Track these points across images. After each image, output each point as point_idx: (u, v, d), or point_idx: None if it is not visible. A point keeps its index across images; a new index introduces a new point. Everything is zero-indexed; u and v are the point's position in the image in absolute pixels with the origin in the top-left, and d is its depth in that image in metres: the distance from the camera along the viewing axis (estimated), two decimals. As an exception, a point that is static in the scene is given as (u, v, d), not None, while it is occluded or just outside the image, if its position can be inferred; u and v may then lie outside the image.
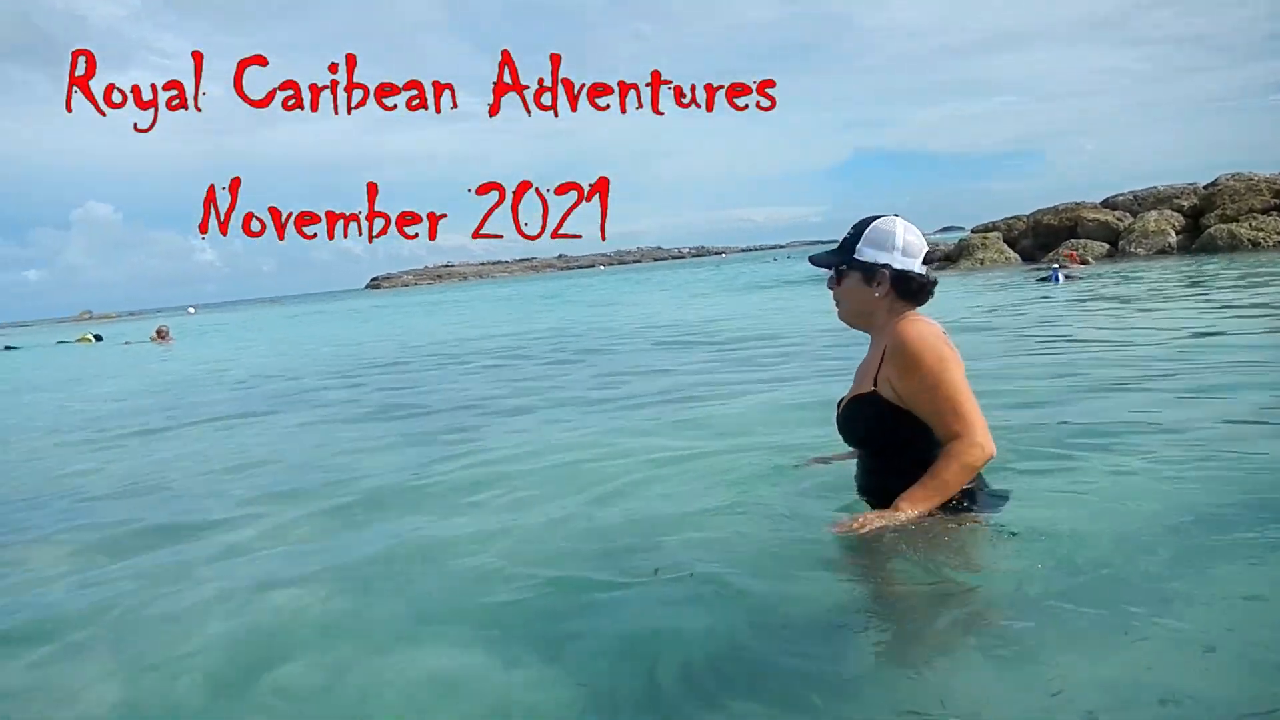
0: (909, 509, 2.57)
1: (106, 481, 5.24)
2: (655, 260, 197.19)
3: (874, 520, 2.59)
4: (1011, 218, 27.97)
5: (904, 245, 2.76)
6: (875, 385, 2.72)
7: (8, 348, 31.83)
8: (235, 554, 3.49)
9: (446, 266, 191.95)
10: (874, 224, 2.79)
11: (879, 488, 2.78)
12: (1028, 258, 25.61)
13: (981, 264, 25.36)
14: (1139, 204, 25.22)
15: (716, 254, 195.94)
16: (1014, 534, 2.62)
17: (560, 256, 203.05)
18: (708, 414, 5.47)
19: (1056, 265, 18.82)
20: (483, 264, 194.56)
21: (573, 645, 2.34)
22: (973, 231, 29.04)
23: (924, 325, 2.68)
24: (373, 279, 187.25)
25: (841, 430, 2.91)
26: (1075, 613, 2.15)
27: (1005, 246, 26.53)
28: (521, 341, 14.04)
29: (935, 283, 2.83)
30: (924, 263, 2.80)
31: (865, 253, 2.77)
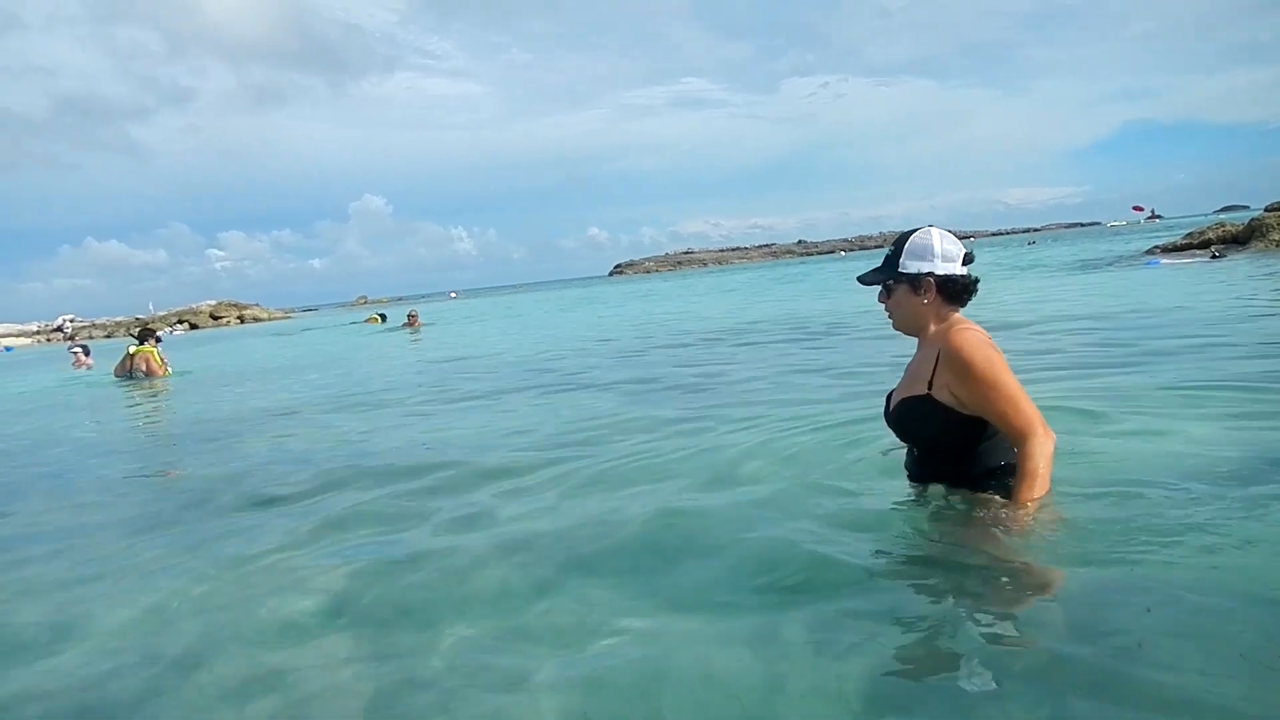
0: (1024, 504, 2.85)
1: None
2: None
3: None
4: (1316, 194, 24.62)
5: (942, 252, 3.05)
6: (930, 389, 3.01)
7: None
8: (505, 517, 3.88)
9: (687, 253, 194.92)
10: (911, 238, 3.09)
11: (937, 475, 3.14)
12: (1335, 238, 22.57)
13: (1278, 246, 22.62)
14: None
15: (964, 238, 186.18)
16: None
17: (800, 243, 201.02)
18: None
19: None
20: (722, 250, 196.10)
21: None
22: (1267, 210, 25.95)
23: (971, 333, 2.98)
24: (616, 266, 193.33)
25: (895, 426, 3.22)
26: None
27: (1307, 226, 23.48)
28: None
29: (978, 281, 3.13)
30: (964, 264, 3.09)
31: (909, 265, 3.07)
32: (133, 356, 14.86)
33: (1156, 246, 26.65)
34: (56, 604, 3.29)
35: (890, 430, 3.31)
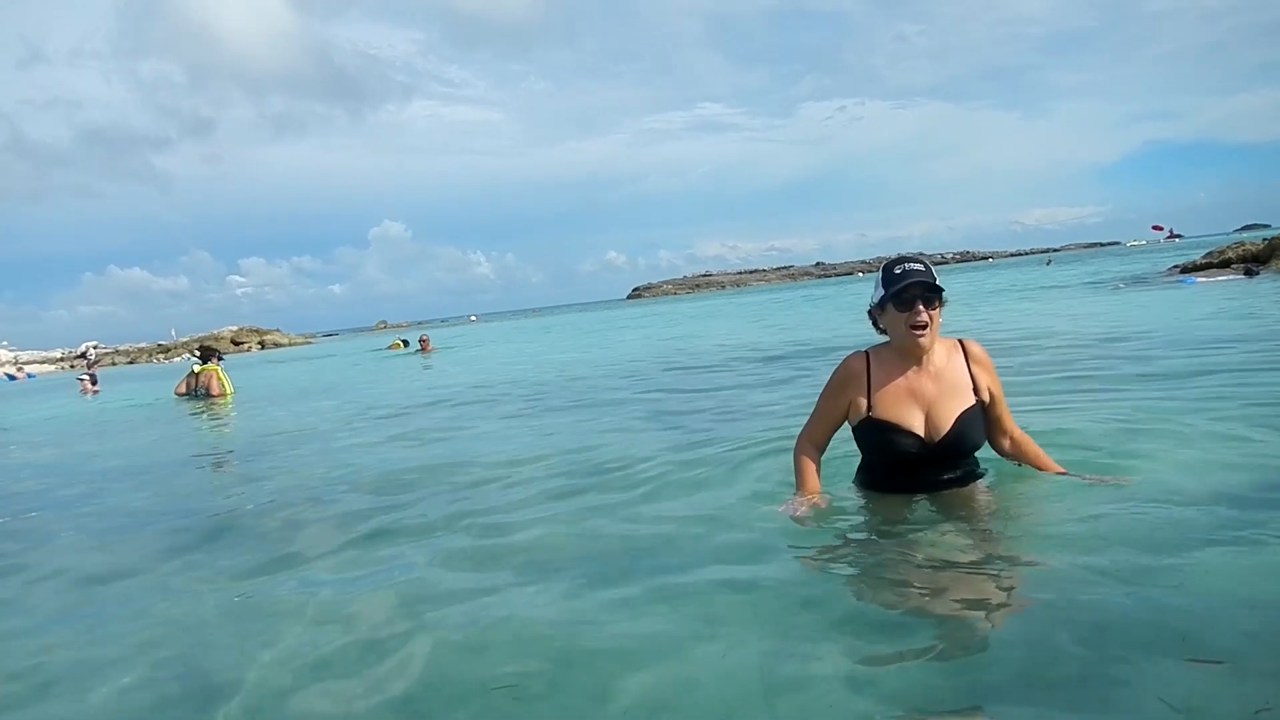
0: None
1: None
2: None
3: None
4: (1337, 212, 24.45)
5: None
6: (977, 396, 3.39)
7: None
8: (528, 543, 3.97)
9: (705, 276, 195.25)
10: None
11: (959, 480, 3.48)
12: (1357, 257, 22.41)
13: (1297, 265, 22.44)
14: None
15: (982, 259, 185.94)
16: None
17: (818, 264, 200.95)
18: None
19: None
20: (740, 273, 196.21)
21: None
22: (1287, 229, 25.74)
23: None
24: (634, 289, 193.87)
25: (959, 443, 3.38)
26: None
27: (1328, 245, 23.34)
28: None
29: None
30: None
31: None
32: (197, 375, 15.15)
33: (1176, 266, 26.51)
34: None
35: (919, 454, 3.38)
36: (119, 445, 10.04)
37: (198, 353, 16.25)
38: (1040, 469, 3.58)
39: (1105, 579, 2.64)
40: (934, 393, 3.35)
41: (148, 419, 13.10)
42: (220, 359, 15.88)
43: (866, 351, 3.52)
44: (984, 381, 3.41)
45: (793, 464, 3.75)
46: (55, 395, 23.34)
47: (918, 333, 3.29)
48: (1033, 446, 3.60)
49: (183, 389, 15.32)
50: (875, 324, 3.54)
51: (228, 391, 15.10)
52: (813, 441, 3.70)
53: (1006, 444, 3.61)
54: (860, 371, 3.46)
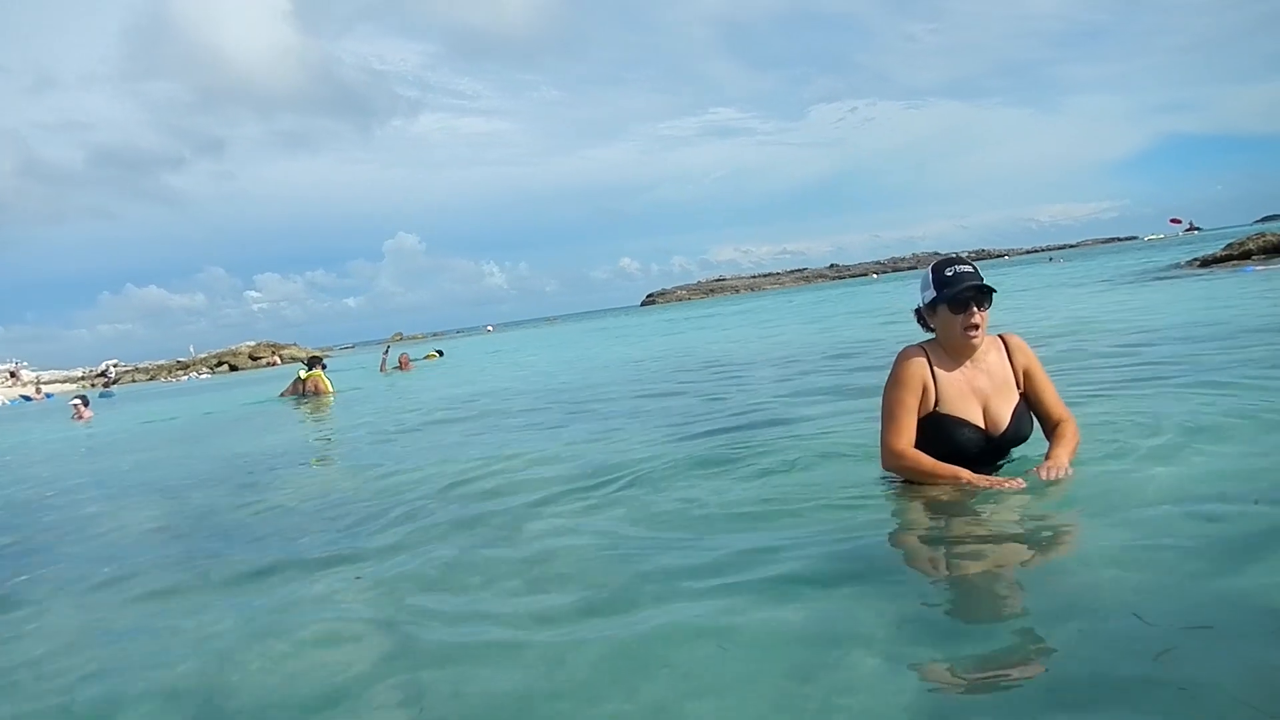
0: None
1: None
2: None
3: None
4: (1358, 200, 24.11)
5: None
6: (1020, 390, 3.52)
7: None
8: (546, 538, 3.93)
9: (719, 281, 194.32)
10: None
11: (1004, 467, 3.59)
12: (1380, 245, 22.10)
13: (1320, 255, 22.12)
14: None
15: (998, 257, 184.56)
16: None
17: (832, 266, 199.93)
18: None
19: None
20: (754, 277, 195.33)
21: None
22: (1307, 218, 25.43)
23: None
24: (648, 295, 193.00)
25: (1016, 436, 3.52)
26: None
27: (1350, 234, 23.05)
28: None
29: None
30: None
31: None
32: (304, 380, 17.51)
33: (1196, 259, 26.24)
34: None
35: (983, 447, 3.47)
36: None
37: (305, 360, 19.03)
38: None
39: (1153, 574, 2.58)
40: (989, 388, 3.47)
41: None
42: (325, 366, 18.28)
43: (921, 346, 3.56)
44: (1024, 371, 3.53)
45: (915, 468, 3.50)
46: (45, 421, 22.26)
47: (972, 334, 3.40)
48: (1061, 436, 3.51)
49: (289, 392, 17.62)
50: (923, 323, 3.61)
51: (331, 391, 17.33)
52: (909, 440, 3.51)
53: (1053, 427, 3.60)
54: (925, 365, 3.49)
